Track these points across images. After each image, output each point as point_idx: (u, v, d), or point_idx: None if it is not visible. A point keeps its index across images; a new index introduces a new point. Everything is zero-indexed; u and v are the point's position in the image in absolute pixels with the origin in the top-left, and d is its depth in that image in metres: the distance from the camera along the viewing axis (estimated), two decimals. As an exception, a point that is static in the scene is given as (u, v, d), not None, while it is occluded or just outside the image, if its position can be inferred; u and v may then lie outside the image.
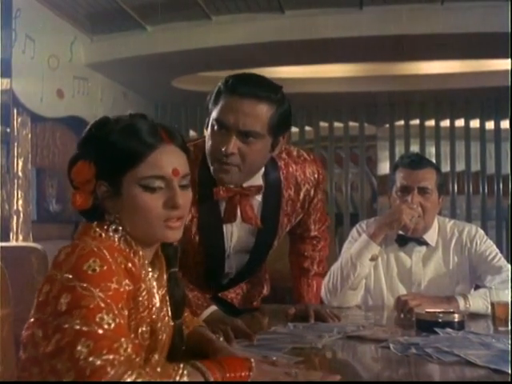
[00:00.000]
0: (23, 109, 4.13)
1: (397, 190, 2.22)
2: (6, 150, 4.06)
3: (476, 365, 1.28)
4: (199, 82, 5.65)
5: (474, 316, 1.87)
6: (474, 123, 6.27)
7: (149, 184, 1.13)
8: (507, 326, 1.68)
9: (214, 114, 1.62)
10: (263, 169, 1.72)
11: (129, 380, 0.93)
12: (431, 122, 6.35)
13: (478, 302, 1.91)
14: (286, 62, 5.20)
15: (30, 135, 4.25)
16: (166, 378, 0.96)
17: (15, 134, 4.09)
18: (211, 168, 1.64)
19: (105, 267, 1.05)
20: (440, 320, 1.63)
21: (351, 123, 6.45)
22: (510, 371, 1.22)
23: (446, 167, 6.20)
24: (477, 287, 2.17)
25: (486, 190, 6.26)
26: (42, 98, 4.30)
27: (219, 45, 4.56)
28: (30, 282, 1.82)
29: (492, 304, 1.78)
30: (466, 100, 6.17)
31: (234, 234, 1.77)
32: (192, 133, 6.28)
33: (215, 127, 1.60)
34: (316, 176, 1.83)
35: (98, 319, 0.98)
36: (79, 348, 0.95)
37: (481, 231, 2.27)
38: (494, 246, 2.24)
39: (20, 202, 4.11)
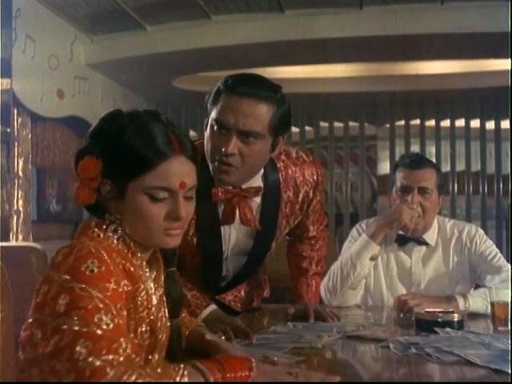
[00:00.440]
0: (23, 109, 4.13)
1: (397, 190, 2.22)
2: (6, 149, 4.06)
3: (476, 365, 1.28)
4: (199, 82, 5.65)
5: (474, 316, 1.87)
6: (474, 123, 6.27)
7: (154, 194, 1.12)
8: (507, 326, 1.68)
9: (213, 114, 1.61)
10: (262, 170, 1.72)
11: (129, 380, 0.93)
12: (431, 122, 6.35)
13: (477, 301, 1.91)
14: (286, 62, 5.20)
15: (30, 135, 4.25)
16: (166, 379, 0.96)
17: (15, 134, 4.09)
18: (210, 168, 1.63)
19: (103, 268, 1.05)
20: (440, 320, 1.63)
21: (351, 123, 6.45)
22: (510, 371, 1.22)
23: (446, 167, 6.20)
24: (476, 287, 2.17)
25: (486, 190, 6.26)
26: (42, 97, 4.30)
27: (219, 45, 4.56)
28: (29, 282, 1.83)
29: (492, 304, 1.78)
30: (465, 100, 6.17)
31: (232, 235, 1.76)
32: (192, 133, 6.27)
33: (215, 127, 1.60)
34: (315, 178, 1.83)
35: (96, 320, 0.98)
36: (78, 349, 0.95)
37: (480, 231, 2.27)
38: (494, 246, 2.24)
39: (20, 201, 4.11)
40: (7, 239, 3.93)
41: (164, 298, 1.24)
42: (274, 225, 1.79)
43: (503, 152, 6.17)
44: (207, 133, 1.63)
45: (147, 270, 1.19)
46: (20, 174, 4.12)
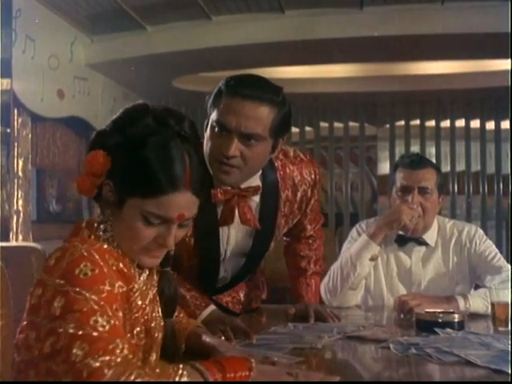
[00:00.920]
0: (23, 109, 4.13)
1: (397, 190, 2.22)
2: (6, 150, 4.06)
3: (476, 365, 1.28)
4: (199, 82, 5.65)
5: (474, 316, 1.87)
6: (474, 123, 6.27)
7: (150, 218, 1.11)
8: (507, 326, 1.68)
9: (214, 116, 1.60)
10: (260, 170, 1.72)
11: (127, 380, 0.92)
12: (431, 122, 6.35)
13: (477, 302, 1.91)
14: (286, 62, 5.20)
15: (30, 135, 4.25)
16: (165, 379, 0.96)
17: (15, 134, 4.09)
18: (210, 169, 1.62)
19: (96, 270, 1.04)
20: (440, 320, 1.63)
21: (351, 123, 6.45)
22: (509, 371, 1.22)
23: (446, 167, 6.20)
24: (477, 287, 2.17)
25: (486, 190, 6.26)
26: (42, 98, 4.30)
27: (219, 45, 4.56)
28: (29, 282, 1.82)
29: (492, 304, 1.78)
30: (466, 100, 6.17)
31: (232, 236, 1.76)
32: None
33: (216, 129, 1.59)
34: (313, 176, 1.83)
35: (92, 322, 0.98)
36: (75, 351, 0.94)
37: (480, 231, 2.27)
38: (494, 246, 2.24)
39: (20, 201, 4.11)
40: (7, 239, 3.93)
41: (157, 298, 1.24)
42: (273, 224, 1.79)
43: (503, 152, 6.18)
44: (207, 134, 1.63)
45: (138, 269, 1.19)
46: (20, 174, 4.12)
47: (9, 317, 1.48)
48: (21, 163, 4.13)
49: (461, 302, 1.89)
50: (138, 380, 0.93)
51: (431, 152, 6.26)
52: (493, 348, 1.41)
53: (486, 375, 1.23)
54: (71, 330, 0.96)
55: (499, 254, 2.19)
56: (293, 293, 2.01)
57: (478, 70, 5.50)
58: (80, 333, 0.96)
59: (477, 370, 1.26)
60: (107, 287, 1.04)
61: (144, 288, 1.19)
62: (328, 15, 4.37)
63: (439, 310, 1.69)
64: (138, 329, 1.15)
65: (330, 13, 4.36)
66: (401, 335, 1.57)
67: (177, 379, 0.97)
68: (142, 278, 1.19)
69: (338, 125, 6.47)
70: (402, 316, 1.85)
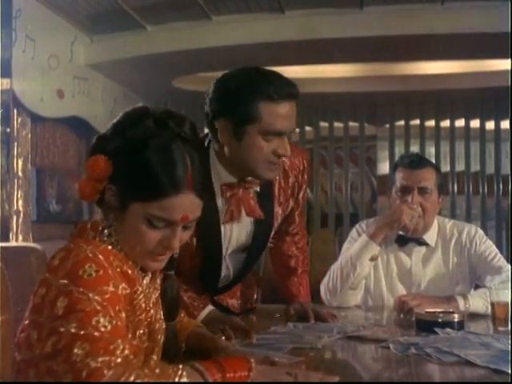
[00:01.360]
0: (23, 109, 4.13)
1: (397, 190, 2.22)
2: (6, 149, 4.06)
3: (476, 365, 1.28)
4: (199, 82, 5.64)
5: (474, 316, 1.87)
6: (474, 123, 6.27)
7: (154, 222, 1.11)
8: (507, 326, 1.68)
9: (264, 123, 1.57)
10: None
11: (127, 381, 0.92)
12: (431, 122, 6.35)
13: (477, 302, 1.92)
14: (286, 62, 5.19)
15: (30, 135, 4.25)
16: (165, 379, 0.96)
17: (15, 134, 4.09)
18: (256, 169, 1.62)
19: (101, 272, 1.04)
20: (440, 320, 1.63)
21: (351, 123, 6.44)
22: (510, 371, 1.22)
23: (445, 167, 6.20)
24: (476, 287, 2.17)
25: (486, 190, 6.25)
26: (42, 98, 4.30)
27: (219, 45, 4.56)
28: (29, 282, 1.82)
29: (492, 304, 1.78)
30: (465, 100, 6.17)
31: (234, 233, 1.77)
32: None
33: (268, 136, 1.59)
34: (302, 161, 1.87)
35: (94, 322, 0.98)
36: (76, 351, 0.94)
37: (480, 231, 2.27)
38: (494, 246, 2.24)
39: (20, 201, 4.11)
40: (7, 239, 3.93)
41: (160, 301, 1.24)
42: (272, 214, 1.81)
43: (503, 152, 6.17)
44: (251, 139, 1.59)
45: (141, 272, 1.19)
46: (20, 174, 4.12)
47: (9, 316, 1.48)
48: (21, 163, 4.13)
49: (461, 302, 1.90)
50: (138, 381, 0.93)
51: (431, 152, 6.26)
52: (493, 348, 1.41)
53: (486, 375, 1.23)
54: (73, 330, 0.96)
55: (499, 255, 2.19)
56: (285, 293, 1.99)
57: (477, 70, 5.50)
58: (82, 332, 0.96)
59: (476, 369, 1.26)
60: (111, 288, 1.04)
61: (147, 291, 1.19)
62: (328, 15, 4.36)
63: (439, 310, 1.69)
64: (141, 331, 1.16)
65: (330, 13, 4.36)
66: (401, 335, 1.58)
67: (176, 380, 0.97)
68: (145, 281, 1.19)
69: (337, 125, 6.46)
70: (401, 316, 1.85)
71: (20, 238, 4.06)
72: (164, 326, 1.24)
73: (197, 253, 1.73)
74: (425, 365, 1.32)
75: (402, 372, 1.28)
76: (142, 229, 1.11)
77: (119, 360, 0.95)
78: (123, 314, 1.06)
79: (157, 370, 0.97)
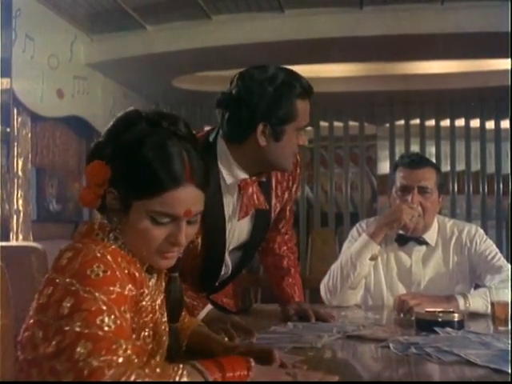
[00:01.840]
0: (23, 108, 4.13)
1: (397, 190, 2.22)
2: (6, 149, 4.06)
3: (476, 364, 1.28)
4: (199, 82, 5.65)
5: (474, 315, 1.87)
6: (474, 123, 6.27)
7: (157, 218, 1.11)
8: (507, 326, 1.68)
9: (299, 120, 1.65)
10: None
11: (128, 380, 0.92)
12: (431, 122, 6.35)
13: (477, 301, 1.92)
14: (286, 62, 5.18)
15: (30, 135, 4.24)
16: (165, 379, 0.96)
17: (15, 133, 4.08)
18: (286, 163, 1.69)
19: (108, 272, 1.05)
20: (440, 319, 1.63)
21: (351, 123, 6.44)
22: (510, 371, 1.22)
23: (446, 167, 6.20)
24: (476, 287, 2.17)
25: (486, 190, 6.25)
26: (42, 97, 4.30)
27: (219, 44, 4.56)
28: (30, 281, 1.82)
29: (492, 303, 1.78)
30: (465, 100, 6.17)
31: (236, 229, 1.78)
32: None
33: (300, 131, 1.67)
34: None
35: (98, 322, 0.98)
36: (79, 349, 0.95)
37: (480, 231, 2.27)
38: (494, 246, 2.24)
39: (20, 201, 4.11)
40: (7, 239, 3.93)
41: (164, 303, 1.24)
42: (270, 206, 1.82)
43: (503, 152, 6.17)
44: (292, 137, 1.66)
45: (148, 274, 1.19)
46: (20, 173, 4.11)
47: (9, 316, 1.48)
48: (20, 163, 4.12)
49: (461, 302, 1.90)
50: (139, 380, 0.93)
51: (431, 151, 6.26)
52: (493, 347, 1.41)
53: (486, 375, 1.23)
54: (77, 329, 0.97)
55: (499, 254, 2.19)
56: (280, 293, 1.99)
57: (477, 70, 5.50)
58: (86, 331, 0.96)
59: (476, 369, 1.26)
60: (117, 289, 1.04)
61: (153, 293, 1.19)
62: (328, 14, 4.36)
63: (439, 310, 1.69)
64: (146, 333, 1.16)
65: (329, 12, 4.36)
66: (401, 334, 1.58)
67: (177, 379, 0.97)
68: (151, 283, 1.19)
69: (337, 124, 6.46)
70: (401, 315, 1.85)
71: (20, 237, 4.06)
72: (168, 329, 1.24)
73: (200, 252, 1.73)
74: (425, 364, 1.32)
75: (401, 371, 1.28)
76: (147, 227, 1.11)
77: (121, 360, 0.95)
78: (128, 315, 1.06)
79: (157, 370, 0.97)
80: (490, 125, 6.26)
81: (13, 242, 3.80)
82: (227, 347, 1.30)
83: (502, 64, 4.80)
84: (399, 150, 6.25)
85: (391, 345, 1.44)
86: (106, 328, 0.98)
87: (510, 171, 5.86)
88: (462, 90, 5.81)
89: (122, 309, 1.04)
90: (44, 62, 4.31)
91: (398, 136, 6.37)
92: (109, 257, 1.07)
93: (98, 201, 1.14)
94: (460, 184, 6.33)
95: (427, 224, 2.23)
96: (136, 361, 0.98)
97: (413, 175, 2.19)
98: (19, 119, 4.12)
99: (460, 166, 6.32)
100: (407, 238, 2.24)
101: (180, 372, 0.98)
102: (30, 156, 4.23)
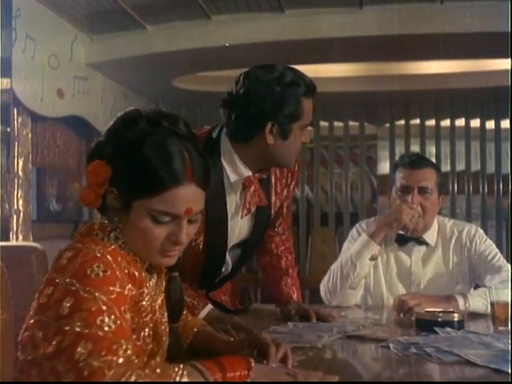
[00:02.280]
0: (23, 108, 4.13)
1: (397, 190, 2.22)
2: (6, 149, 4.06)
3: (476, 364, 1.28)
4: (199, 82, 5.65)
5: (474, 315, 1.87)
6: (474, 123, 6.27)
7: (158, 217, 1.10)
8: (507, 326, 1.68)
9: (305, 118, 1.67)
10: None
11: (128, 381, 0.92)
12: (431, 122, 6.35)
13: (477, 301, 1.92)
14: (286, 62, 5.19)
15: (30, 135, 4.25)
16: (165, 379, 0.96)
17: (15, 133, 4.09)
18: (291, 160, 1.73)
19: (108, 272, 1.05)
20: (440, 319, 1.63)
21: (351, 123, 6.45)
22: (509, 371, 1.22)
23: (446, 167, 6.20)
24: (476, 287, 2.17)
25: (486, 190, 6.26)
26: (42, 97, 4.30)
27: (219, 45, 4.56)
28: (29, 281, 1.82)
29: (492, 304, 1.78)
30: (465, 100, 6.17)
31: (237, 227, 1.78)
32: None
33: (304, 129, 1.70)
34: None
35: (98, 322, 0.98)
36: (79, 349, 0.94)
37: (480, 231, 2.27)
38: (494, 246, 2.24)
39: (20, 201, 4.11)
40: (7, 239, 3.93)
41: (165, 303, 1.24)
42: (270, 203, 1.83)
43: (503, 152, 6.18)
44: (298, 135, 1.68)
45: (148, 274, 1.19)
46: (20, 173, 4.12)
47: (9, 316, 1.48)
48: (21, 163, 4.13)
49: (460, 302, 1.90)
50: (139, 381, 0.93)
51: (431, 151, 6.26)
52: (492, 347, 1.41)
53: (486, 375, 1.23)
54: (78, 329, 0.97)
55: (499, 254, 2.19)
56: (279, 293, 1.98)
57: (477, 70, 5.50)
58: (86, 331, 0.96)
59: (476, 369, 1.26)
60: (117, 289, 1.04)
61: (153, 293, 1.19)
62: (328, 14, 4.37)
63: (439, 310, 1.69)
64: (146, 333, 1.16)
65: (329, 12, 4.36)
66: (400, 335, 1.58)
67: (177, 379, 0.97)
68: (151, 284, 1.19)
69: (337, 124, 6.47)
70: (401, 315, 1.85)
71: (20, 237, 4.06)
72: (168, 329, 1.24)
73: (202, 250, 1.73)
74: (425, 364, 1.32)
75: (401, 371, 1.28)
76: (148, 226, 1.11)
77: (121, 360, 0.95)
78: (128, 315, 1.06)
79: (158, 370, 0.97)
80: (490, 125, 6.26)
81: (13, 242, 3.80)
82: (233, 347, 1.30)
83: (502, 64, 4.80)
84: (399, 150, 6.25)
85: (391, 345, 1.44)
86: (106, 328, 0.98)
87: (510, 171, 5.86)
88: (462, 90, 5.81)
89: (122, 309, 1.04)
90: (44, 62, 4.31)
91: (398, 136, 6.38)
92: (109, 257, 1.07)
93: (99, 200, 1.14)
94: (460, 184, 6.33)
95: (427, 224, 2.23)
96: (136, 361, 0.98)
97: (413, 175, 2.19)
98: (19, 119, 4.12)
99: (460, 166, 6.33)
100: (407, 238, 2.24)
101: (180, 372, 0.98)
102: (30, 156, 4.24)
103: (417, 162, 2.21)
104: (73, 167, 4.94)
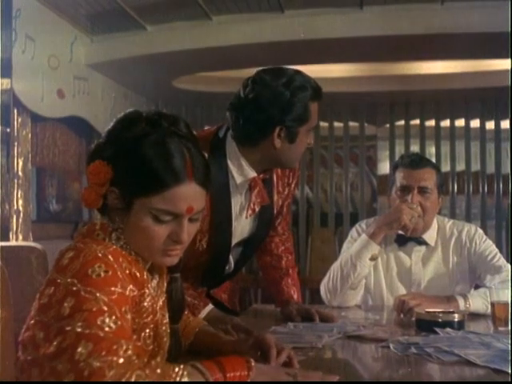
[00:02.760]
0: (23, 109, 4.13)
1: (397, 190, 2.22)
2: (6, 149, 4.06)
3: (476, 364, 1.28)
4: (199, 82, 5.65)
5: (474, 316, 1.87)
6: (474, 123, 6.27)
7: (159, 216, 1.11)
8: (507, 326, 1.68)
9: (311, 121, 1.70)
10: None
11: (128, 381, 0.93)
12: (431, 122, 6.35)
13: (477, 301, 1.92)
14: (286, 62, 5.18)
15: (30, 135, 4.24)
16: (166, 379, 0.96)
17: (15, 133, 4.08)
18: (296, 162, 1.75)
19: (110, 272, 1.05)
20: (440, 320, 1.63)
21: (351, 123, 6.45)
22: (509, 371, 1.22)
23: (446, 167, 6.20)
24: (476, 287, 2.17)
25: (486, 190, 6.26)
26: (42, 97, 4.29)
27: (219, 45, 4.56)
28: (29, 281, 1.82)
29: (492, 304, 1.78)
30: (465, 100, 6.17)
31: (240, 226, 1.78)
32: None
33: (311, 131, 1.72)
34: None
35: (99, 322, 0.98)
36: (79, 350, 0.95)
37: (480, 231, 2.27)
38: (494, 246, 2.24)
39: (20, 201, 4.11)
40: (7, 239, 3.93)
41: (166, 304, 1.24)
42: (272, 202, 1.84)
43: (503, 152, 6.17)
44: (304, 138, 1.71)
45: (150, 275, 1.19)
46: (20, 173, 4.11)
47: (9, 316, 1.48)
48: (21, 163, 4.12)
49: (461, 302, 1.90)
50: (139, 381, 0.93)
51: (431, 152, 6.27)
52: (493, 347, 1.41)
53: (486, 375, 1.23)
54: (78, 329, 0.97)
55: (499, 254, 2.19)
56: (279, 293, 1.99)
57: (477, 70, 5.50)
58: (87, 332, 0.96)
59: (477, 369, 1.26)
60: (118, 289, 1.04)
61: (155, 294, 1.19)
62: (328, 15, 4.36)
63: (439, 310, 1.69)
64: (147, 334, 1.16)
65: (329, 12, 4.36)
66: (401, 335, 1.58)
67: (178, 379, 0.97)
68: (152, 284, 1.19)
69: (337, 124, 6.46)
70: (401, 316, 1.85)
71: (20, 237, 4.06)
72: (169, 330, 1.24)
73: (206, 250, 1.73)
74: (425, 364, 1.32)
75: (401, 371, 1.28)
76: (149, 225, 1.11)
77: (121, 360, 0.95)
78: (129, 316, 1.06)
79: (158, 370, 0.97)
80: (489, 125, 6.26)
81: (13, 242, 3.80)
82: (236, 347, 1.29)
83: (502, 64, 4.80)
84: (399, 150, 6.25)
85: (391, 345, 1.44)
86: (107, 328, 0.98)
87: (510, 171, 5.86)
88: (462, 90, 5.81)
89: (123, 309, 1.04)
90: (44, 62, 4.31)
91: (398, 136, 6.38)
92: (110, 257, 1.07)
93: (100, 201, 1.14)
94: (460, 184, 6.33)
95: (427, 224, 2.23)
96: (136, 361, 0.98)
97: (413, 175, 2.19)
98: (19, 119, 4.12)
99: (460, 166, 6.32)
100: (407, 239, 2.24)
101: (181, 372, 0.98)
102: (30, 156, 4.23)
103: (417, 162, 2.21)
104: (73, 167, 4.94)
